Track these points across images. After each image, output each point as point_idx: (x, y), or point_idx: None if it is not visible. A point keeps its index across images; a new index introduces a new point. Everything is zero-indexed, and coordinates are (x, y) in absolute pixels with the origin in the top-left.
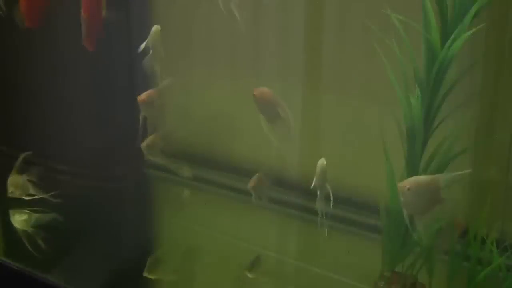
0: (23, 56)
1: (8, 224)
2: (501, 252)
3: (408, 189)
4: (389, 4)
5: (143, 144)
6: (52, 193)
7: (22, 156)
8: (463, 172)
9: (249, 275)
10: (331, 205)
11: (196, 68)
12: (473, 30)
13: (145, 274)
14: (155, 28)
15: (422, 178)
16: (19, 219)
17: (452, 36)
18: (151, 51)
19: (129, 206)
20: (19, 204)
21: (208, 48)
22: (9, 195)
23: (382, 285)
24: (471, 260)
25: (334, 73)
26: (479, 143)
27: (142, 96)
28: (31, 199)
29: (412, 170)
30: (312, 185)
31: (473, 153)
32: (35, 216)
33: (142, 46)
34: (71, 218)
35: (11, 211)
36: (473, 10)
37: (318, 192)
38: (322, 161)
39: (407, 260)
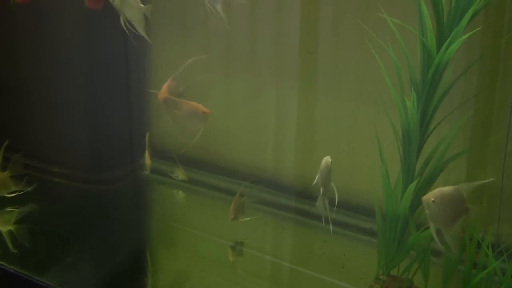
0: (14, 55)
1: None
2: (496, 256)
3: (433, 201)
4: (385, 7)
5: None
6: (31, 187)
7: (2, 150)
8: (486, 180)
9: (231, 258)
10: (336, 203)
11: (191, 69)
12: (469, 33)
13: None
14: None
15: (445, 189)
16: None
17: (448, 40)
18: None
19: (124, 209)
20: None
21: (203, 49)
22: None
23: None
24: (467, 263)
25: (330, 76)
26: (474, 146)
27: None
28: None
29: (408, 173)
30: (314, 182)
31: (469, 156)
32: (16, 212)
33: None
34: (66, 221)
35: None
36: (469, 13)
37: (322, 190)
38: (327, 159)
39: (402, 263)
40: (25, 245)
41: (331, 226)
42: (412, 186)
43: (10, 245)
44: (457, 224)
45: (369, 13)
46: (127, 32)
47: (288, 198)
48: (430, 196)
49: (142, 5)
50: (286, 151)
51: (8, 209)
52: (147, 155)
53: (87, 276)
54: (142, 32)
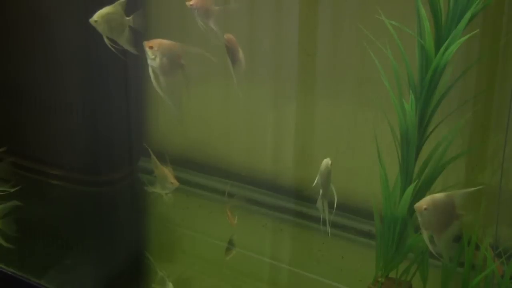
0: (13, 56)
1: None
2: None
3: (425, 209)
4: (384, 10)
5: None
6: (17, 187)
7: None
8: (476, 188)
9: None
10: (335, 205)
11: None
12: (467, 36)
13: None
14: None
15: (437, 196)
16: None
17: (446, 42)
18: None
19: (122, 211)
20: None
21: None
22: None
23: None
24: (465, 265)
25: (329, 78)
26: (473, 148)
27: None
28: None
29: (406, 175)
30: (314, 183)
31: (467, 158)
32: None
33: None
34: (64, 223)
35: None
36: (467, 15)
37: (321, 191)
38: (327, 161)
39: (401, 265)
40: (23, 247)
41: (329, 229)
42: (410, 188)
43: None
44: (449, 230)
45: (368, 15)
46: (114, 50)
47: (287, 200)
48: (422, 203)
49: (127, 18)
50: (285, 154)
51: None
52: (167, 172)
53: (85, 278)
54: (128, 46)
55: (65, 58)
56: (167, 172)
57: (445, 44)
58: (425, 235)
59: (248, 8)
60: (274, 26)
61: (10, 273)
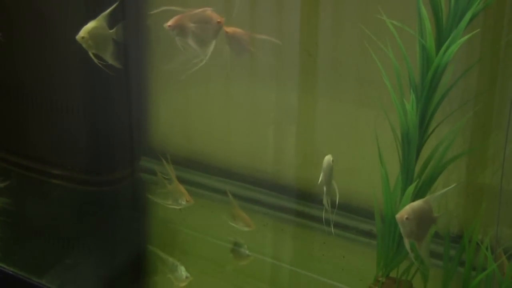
0: (13, 56)
1: None
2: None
3: (407, 219)
4: (385, 9)
5: None
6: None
7: None
8: (449, 187)
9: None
10: (337, 202)
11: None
12: (468, 35)
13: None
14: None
15: (416, 204)
16: None
17: (447, 42)
18: None
19: (123, 210)
20: None
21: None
22: None
23: None
24: (466, 265)
25: (330, 78)
26: (473, 147)
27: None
28: None
29: (407, 175)
30: (319, 181)
31: (468, 157)
32: None
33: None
34: (66, 223)
35: None
36: (468, 15)
37: (325, 188)
38: (329, 158)
39: (401, 265)
40: (24, 247)
41: (332, 228)
42: (411, 188)
43: None
44: (428, 235)
45: (369, 15)
46: (100, 65)
47: (287, 200)
48: (403, 214)
49: (111, 31)
50: (286, 153)
51: None
52: (183, 189)
53: (86, 278)
54: (112, 60)
55: (67, 58)
56: (182, 189)
57: (446, 44)
58: (407, 243)
59: (249, 8)
60: (275, 26)
61: (11, 272)
